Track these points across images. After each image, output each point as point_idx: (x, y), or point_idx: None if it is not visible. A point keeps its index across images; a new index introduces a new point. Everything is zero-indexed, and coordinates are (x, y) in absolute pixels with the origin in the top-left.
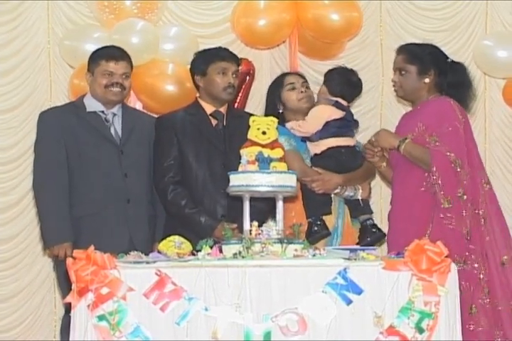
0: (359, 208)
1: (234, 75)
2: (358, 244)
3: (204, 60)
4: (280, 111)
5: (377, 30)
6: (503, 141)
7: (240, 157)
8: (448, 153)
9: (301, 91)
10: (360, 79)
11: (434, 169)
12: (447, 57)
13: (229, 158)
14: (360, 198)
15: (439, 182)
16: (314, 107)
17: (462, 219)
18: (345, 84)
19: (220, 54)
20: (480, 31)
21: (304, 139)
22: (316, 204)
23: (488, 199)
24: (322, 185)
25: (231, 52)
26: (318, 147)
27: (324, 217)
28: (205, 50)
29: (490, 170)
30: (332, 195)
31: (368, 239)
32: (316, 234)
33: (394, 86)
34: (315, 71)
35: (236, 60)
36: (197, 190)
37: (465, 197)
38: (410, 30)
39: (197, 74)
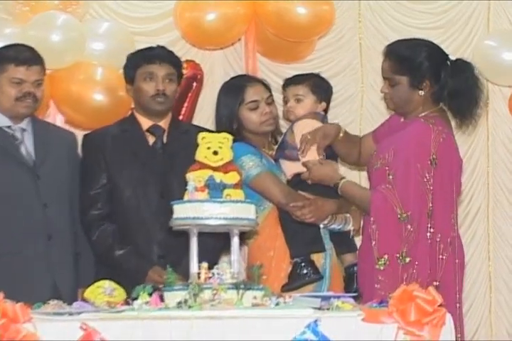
0: (347, 243)
1: (167, 80)
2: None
3: (131, 65)
4: (234, 127)
5: (355, 27)
6: (510, 162)
7: (183, 182)
8: (394, 208)
9: (265, 113)
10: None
11: (372, 220)
12: (447, 58)
13: (168, 184)
14: (351, 229)
15: (377, 236)
16: (302, 121)
17: (399, 284)
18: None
19: (146, 55)
20: (481, 29)
21: (278, 158)
22: (303, 239)
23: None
24: (315, 212)
25: (164, 52)
26: (300, 166)
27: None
28: (137, 52)
29: (494, 197)
30: (321, 228)
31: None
32: (305, 279)
33: (384, 97)
34: (277, 76)
35: (170, 60)
36: (129, 224)
37: (408, 259)
38: (396, 27)
39: (127, 82)
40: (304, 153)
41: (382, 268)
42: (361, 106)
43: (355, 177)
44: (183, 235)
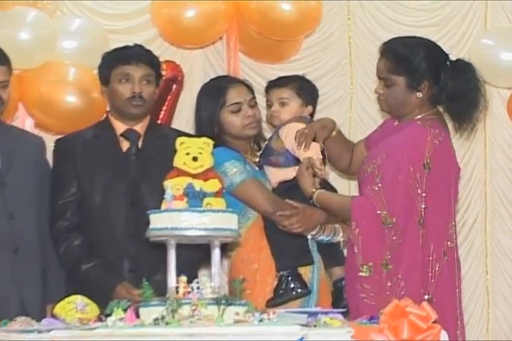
0: (335, 256)
1: (144, 81)
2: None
3: (106, 65)
4: (215, 131)
5: (344, 25)
6: (509, 169)
7: (156, 190)
8: (379, 212)
9: (248, 115)
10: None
11: (354, 225)
12: (447, 58)
13: (139, 193)
14: (341, 240)
15: (359, 242)
16: (289, 125)
17: (383, 293)
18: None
19: (122, 55)
20: (478, 27)
21: (263, 164)
22: (290, 251)
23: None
24: (304, 222)
25: (141, 51)
26: (286, 173)
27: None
28: (113, 51)
29: (492, 207)
30: (309, 239)
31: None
32: (291, 294)
33: (378, 98)
34: (260, 77)
35: (147, 60)
36: (98, 235)
37: (390, 266)
38: (387, 25)
39: (101, 84)
40: (305, 147)
41: (367, 275)
42: (350, 109)
43: (345, 186)
44: (156, 247)
